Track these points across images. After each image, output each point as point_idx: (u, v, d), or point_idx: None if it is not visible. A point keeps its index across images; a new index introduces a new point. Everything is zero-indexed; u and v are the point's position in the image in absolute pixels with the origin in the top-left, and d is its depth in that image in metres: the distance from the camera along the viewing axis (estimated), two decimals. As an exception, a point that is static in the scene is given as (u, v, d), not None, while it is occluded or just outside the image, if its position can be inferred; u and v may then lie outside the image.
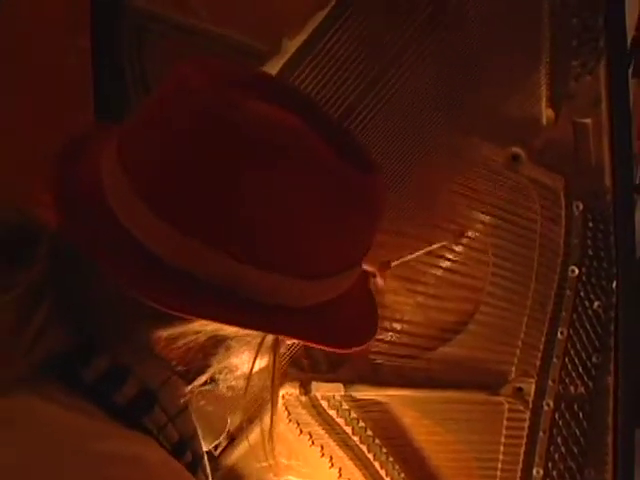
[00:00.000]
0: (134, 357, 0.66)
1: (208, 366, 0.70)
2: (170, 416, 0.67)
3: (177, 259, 0.64)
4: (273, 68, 1.01)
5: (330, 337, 0.70)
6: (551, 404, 1.02)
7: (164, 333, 0.67)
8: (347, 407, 1.06)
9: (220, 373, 0.71)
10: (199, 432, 0.71)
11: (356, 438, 1.07)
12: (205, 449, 0.73)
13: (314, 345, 0.73)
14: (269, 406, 0.75)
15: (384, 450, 1.07)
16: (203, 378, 0.70)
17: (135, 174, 0.65)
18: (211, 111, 0.63)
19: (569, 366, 1.02)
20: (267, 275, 0.65)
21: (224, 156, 0.63)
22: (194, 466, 0.69)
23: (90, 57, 1.03)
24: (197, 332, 0.67)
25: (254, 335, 0.69)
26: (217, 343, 0.69)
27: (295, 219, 0.64)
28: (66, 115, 1.05)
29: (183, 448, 0.68)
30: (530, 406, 1.03)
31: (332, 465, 1.08)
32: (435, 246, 1.00)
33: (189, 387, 0.69)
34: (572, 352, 1.01)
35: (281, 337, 0.70)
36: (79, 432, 0.61)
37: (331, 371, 1.05)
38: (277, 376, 0.74)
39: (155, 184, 0.64)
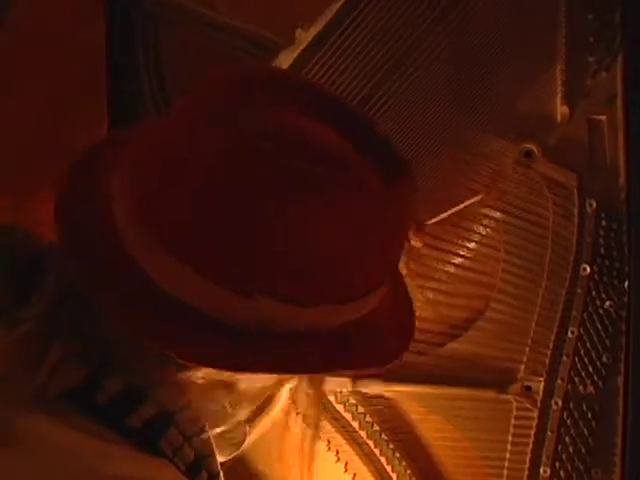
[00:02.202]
0: (151, 380, 0.64)
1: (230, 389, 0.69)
2: (187, 436, 0.65)
3: (204, 305, 0.60)
4: (286, 60, 1.00)
5: (357, 359, 0.67)
6: (560, 403, 1.02)
7: (184, 373, 0.66)
8: (354, 402, 1.06)
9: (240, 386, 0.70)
10: (215, 449, 0.69)
11: (363, 433, 1.07)
12: (223, 460, 0.72)
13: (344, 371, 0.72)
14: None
15: (391, 446, 1.06)
16: (226, 400, 0.69)
17: (152, 214, 0.61)
18: (237, 139, 0.59)
19: (579, 365, 1.01)
20: (300, 310, 0.62)
21: (239, 184, 0.59)
22: None
23: (104, 46, 1.03)
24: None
25: None
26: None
27: (329, 250, 0.61)
28: (80, 102, 1.05)
29: (199, 467, 0.66)
30: (538, 405, 1.02)
31: (338, 459, 1.07)
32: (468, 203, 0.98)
33: (208, 403, 0.68)
34: (582, 351, 1.01)
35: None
36: (90, 455, 0.60)
37: (339, 366, 1.05)
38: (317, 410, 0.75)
39: (173, 223, 0.60)
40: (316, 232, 0.60)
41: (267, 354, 0.62)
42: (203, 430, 0.67)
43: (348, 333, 0.66)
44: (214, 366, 0.63)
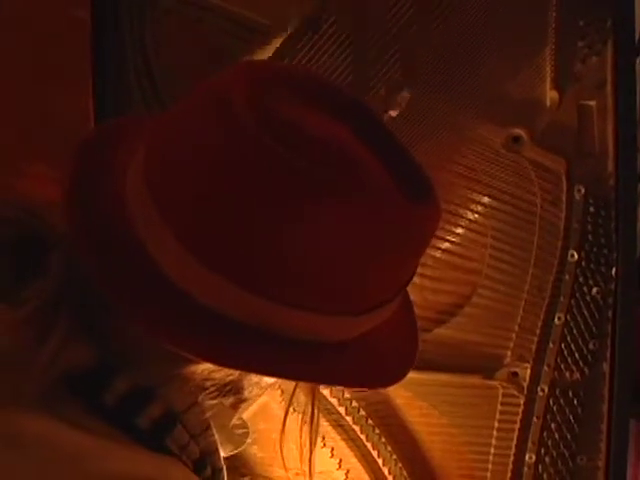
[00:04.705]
0: (159, 379, 0.63)
1: (235, 385, 0.68)
2: (193, 434, 0.65)
3: (214, 303, 0.60)
4: (276, 43, 1.00)
5: (362, 376, 0.67)
6: (546, 390, 1.02)
7: (189, 367, 0.65)
8: (341, 388, 1.06)
9: (247, 388, 0.69)
10: (219, 444, 0.69)
11: (349, 418, 1.07)
12: (225, 455, 0.72)
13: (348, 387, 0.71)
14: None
15: (377, 431, 1.06)
16: (230, 399, 0.69)
17: (165, 204, 0.60)
18: (254, 136, 0.57)
19: (565, 352, 1.01)
20: (313, 317, 0.61)
21: (265, 191, 0.57)
22: None
23: (90, 22, 1.02)
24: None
25: None
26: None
27: (340, 258, 0.60)
28: (65, 75, 1.04)
29: (204, 463, 0.66)
30: (525, 391, 1.02)
31: (324, 445, 1.07)
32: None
33: (213, 402, 0.67)
34: (569, 338, 1.01)
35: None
36: (94, 455, 0.59)
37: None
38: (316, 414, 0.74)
39: (186, 215, 0.59)
40: (334, 238, 0.59)
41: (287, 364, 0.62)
42: (208, 428, 0.67)
43: (354, 347, 0.65)
44: (232, 367, 0.63)
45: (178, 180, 0.60)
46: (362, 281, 0.62)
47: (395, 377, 0.68)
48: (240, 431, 0.79)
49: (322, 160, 0.58)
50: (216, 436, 0.68)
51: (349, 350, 0.65)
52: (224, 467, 0.70)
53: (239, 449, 0.81)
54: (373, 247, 0.61)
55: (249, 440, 0.81)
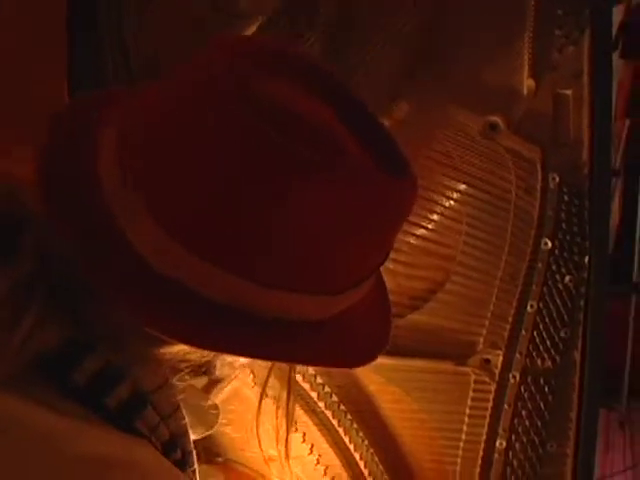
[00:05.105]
0: (130, 359, 0.63)
1: (209, 365, 0.68)
2: (162, 416, 0.64)
3: (196, 285, 0.59)
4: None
5: (337, 355, 0.67)
6: (517, 377, 1.02)
7: (165, 348, 0.65)
8: (313, 372, 1.06)
9: (220, 368, 0.70)
10: (189, 427, 0.69)
11: (321, 404, 1.07)
12: (195, 438, 0.72)
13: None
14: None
15: (349, 417, 1.07)
16: (203, 380, 0.69)
17: (142, 185, 0.59)
18: (238, 115, 0.57)
19: (537, 339, 1.01)
20: (294, 296, 0.61)
21: (247, 170, 0.57)
22: (183, 463, 0.67)
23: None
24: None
25: None
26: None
27: (323, 236, 0.60)
28: (41, 56, 1.03)
29: (173, 446, 0.66)
30: (496, 378, 1.03)
31: (296, 430, 1.07)
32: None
33: (182, 382, 0.68)
34: (541, 326, 1.01)
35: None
36: (64, 437, 0.59)
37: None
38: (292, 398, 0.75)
39: (160, 194, 0.59)
40: (316, 217, 0.59)
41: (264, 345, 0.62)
42: (178, 409, 0.66)
43: (331, 326, 0.65)
44: (214, 349, 0.63)
45: (157, 160, 0.60)
46: (342, 259, 0.62)
47: (369, 357, 0.68)
48: (212, 412, 0.79)
49: (304, 138, 0.58)
50: (187, 419, 0.68)
51: (326, 329, 0.65)
52: (194, 450, 0.70)
53: (211, 431, 0.81)
54: (354, 224, 0.61)
55: (222, 421, 0.81)
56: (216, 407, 0.83)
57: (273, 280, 0.60)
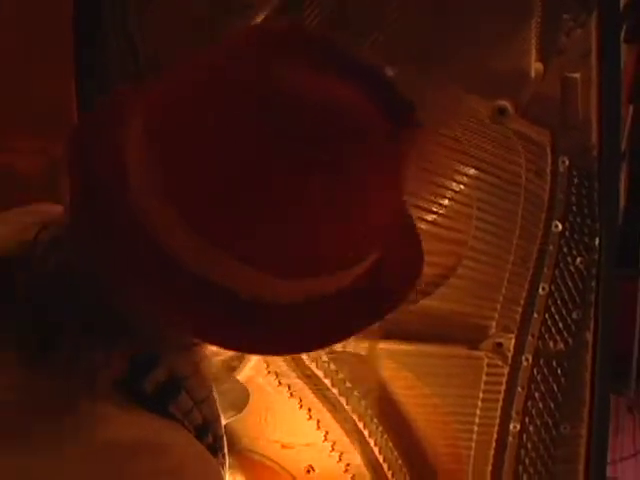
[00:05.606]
0: (163, 345, 0.64)
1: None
2: (196, 401, 0.65)
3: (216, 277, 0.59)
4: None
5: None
6: (530, 359, 1.03)
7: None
8: (326, 359, 1.06)
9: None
10: (220, 411, 0.70)
11: (335, 390, 1.07)
12: (226, 421, 0.73)
13: None
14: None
15: (362, 402, 1.07)
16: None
17: (170, 178, 0.58)
18: (253, 115, 0.57)
19: (549, 322, 1.02)
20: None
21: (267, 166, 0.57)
22: (214, 448, 0.68)
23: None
24: None
25: None
26: None
27: (330, 216, 0.59)
28: (48, 55, 1.04)
29: (205, 430, 0.67)
30: (509, 361, 1.03)
31: (310, 417, 1.08)
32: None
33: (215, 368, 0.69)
34: (553, 308, 1.01)
35: None
36: (100, 423, 0.60)
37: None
38: None
39: (190, 190, 0.58)
40: (315, 198, 0.58)
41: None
42: (211, 395, 0.67)
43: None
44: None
45: (179, 147, 0.59)
46: (344, 238, 0.61)
47: (351, 330, 0.67)
48: (242, 394, 0.79)
49: (324, 126, 0.57)
50: (218, 404, 0.69)
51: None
52: (224, 435, 0.70)
53: (241, 413, 0.81)
54: (354, 200, 0.60)
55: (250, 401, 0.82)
56: (245, 389, 0.83)
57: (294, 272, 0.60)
